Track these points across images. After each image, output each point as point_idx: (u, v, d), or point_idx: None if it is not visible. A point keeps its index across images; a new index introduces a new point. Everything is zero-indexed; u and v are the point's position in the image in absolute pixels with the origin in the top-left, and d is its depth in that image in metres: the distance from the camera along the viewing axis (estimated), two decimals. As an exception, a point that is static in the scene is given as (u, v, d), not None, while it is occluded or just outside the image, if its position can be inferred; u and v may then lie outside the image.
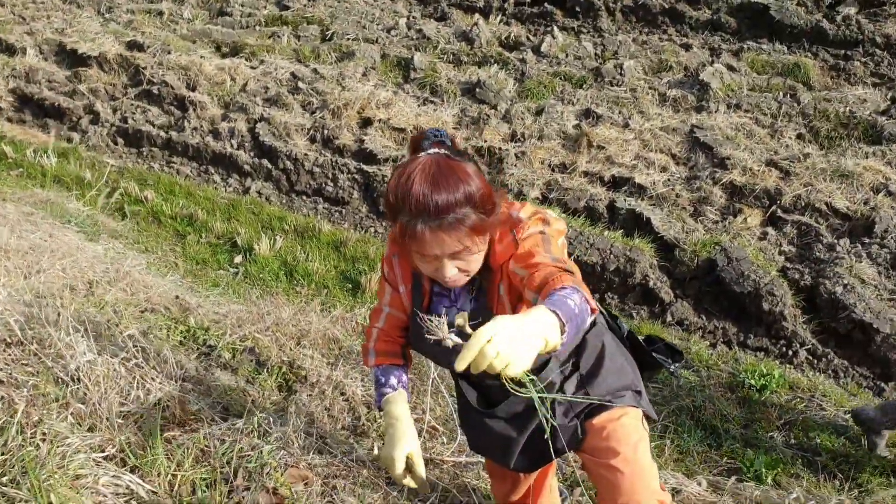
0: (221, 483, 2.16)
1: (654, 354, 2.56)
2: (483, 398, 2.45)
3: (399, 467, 2.12)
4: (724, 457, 4.46)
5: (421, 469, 2.17)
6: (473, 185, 1.86)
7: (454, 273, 1.98)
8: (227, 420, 2.63)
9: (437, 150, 1.91)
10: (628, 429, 2.27)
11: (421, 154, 1.90)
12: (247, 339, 4.19)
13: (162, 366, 2.87)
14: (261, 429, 2.53)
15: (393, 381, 2.31)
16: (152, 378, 2.71)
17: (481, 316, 2.11)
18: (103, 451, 2.14)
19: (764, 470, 4.26)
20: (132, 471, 2.11)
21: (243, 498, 2.03)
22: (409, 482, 2.15)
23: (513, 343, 1.54)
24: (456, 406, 3.44)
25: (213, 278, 6.32)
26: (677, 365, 2.60)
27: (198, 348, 4.10)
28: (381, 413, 2.28)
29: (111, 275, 4.84)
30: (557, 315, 1.64)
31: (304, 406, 3.77)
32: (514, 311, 2.12)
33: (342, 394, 3.96)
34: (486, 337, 1.54)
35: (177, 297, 4.76)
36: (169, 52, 9.09)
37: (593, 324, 2.40)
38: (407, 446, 2.15)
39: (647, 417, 2.40)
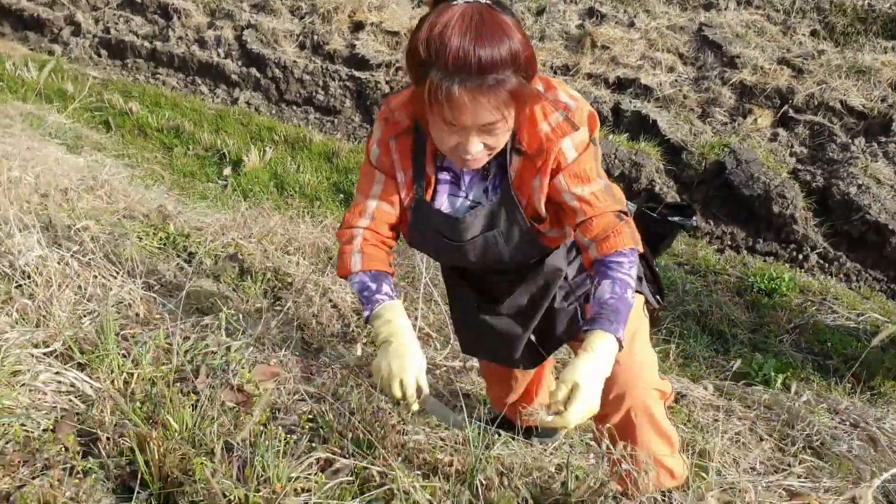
0: (181, 382, 1.96)
1: (669, 219, 2.34)
2: (484, 296, 2.24)
3: (411, 386, 1.84)
4: (732, 361, 4.28)
5: (427, 390, 1.90)
6: (519, 43, 1.56)
7: (479, 149, 1.69)
8: (196, 318, 2.43)
9: None
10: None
11: (456, 2, 1.57)
12: (230, 245, 3.97)
13: (124, 263, 2.65)
14: (231, 327, 2.32)
15: (386, 288, 1.98)
16: (112, 276, 2.49)
17: (505, 208, 1.90)
18: (47, 347, 1.94)
19: (773, 374, 4.10)
20: (80, 368, 1.91)
21: (204, 395, 1.83)
22: (415, 405, 1.87)
23: (588, 409, 1.70)
24: (449, 312, 3.17)
25: (201, 191, 6.08)
26: (696, 218, 2.41)
27: (178, 255, 3.89)
28: (373, 325, 1.93)
29: (88, 182, 4.60)
30: (618, 340, 1.73)
31: (291, 313, 3.58)
32: (554, 217, 1.91)
33: (330, 300, 3.76)
34: (575, 422, 1.67)
35: (159, 206, 4.53)
36: (150, -42, 8.66)
37: None
38: (418, 364, 1.86)
39: (648, 305, 2.19)
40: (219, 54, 7.69)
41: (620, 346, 1.74)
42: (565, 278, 2.12)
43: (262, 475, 1.59)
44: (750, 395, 3.81)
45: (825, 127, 5.90)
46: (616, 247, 1.80)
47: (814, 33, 6.85)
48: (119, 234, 3.57)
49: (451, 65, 1.52)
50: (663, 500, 2.15)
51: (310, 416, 1.88)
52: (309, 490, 1.64)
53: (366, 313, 1.95)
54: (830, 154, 5.70)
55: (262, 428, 1.72)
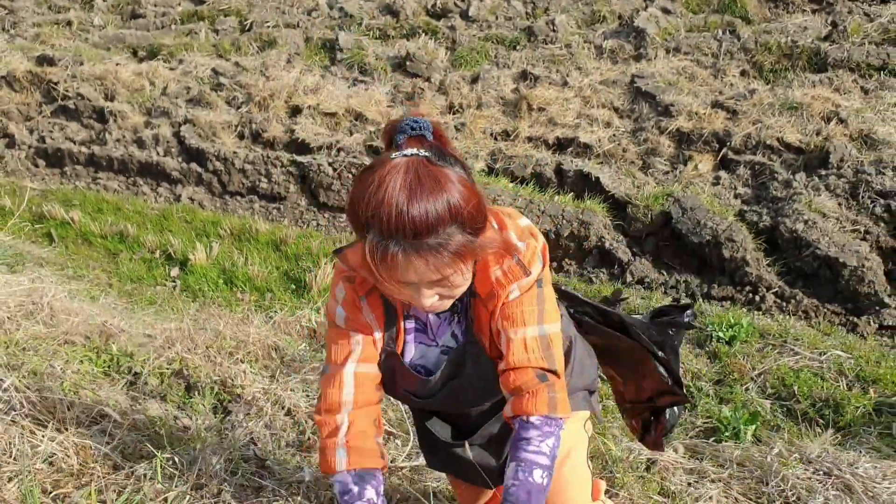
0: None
1: (673, 323, 2.31)
2: (456, 430, 2.12)
3: None
4: (700, 417, 4.23)
5: None
6: (461, 198, 1.48)
7: (434, 301, 1.61)
8: (139, 462, 2.31)
9: (416, 150, 1.52)
10: (564, 432, 1.98)
11: (395, 155, 1.51)
12: (175, 360, 3.85)
13: (55, 411, 2.54)
14: (168, 471, 2.22)
15: (370, 493, 1.76)
16: (43, 425, 2.38)
17: (469, 352, 1.81)
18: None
19: (742, 427, 4.04)
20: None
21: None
22: None
23: None
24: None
25: (150, 296, 5.95)
26: (689, 313, 2.34)
27: (122, 378, 3.77)
28: None
29: (28, 308, 4.47)
30: None
31: (242, 427, 3.47)
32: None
33: (283, 408, 3.65)
34: None
35: (104, 322, 4.40)
36: (82, 63, 8.61)
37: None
38: None
39: (594, 416, 2.14)
40: (158, 153, 7.63)
41: None
42: None
43: None
44: (721, 452, 3.75)
45: (765, 166, 5.98)
46: (527, 411, 1.71)
47: (743, 73, 6.99)
48: (49, 373, 3.43)
49: (387, 226, 1.44)
50: None
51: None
52: None
53: None
54: (774, 192, 5.76)
55: None
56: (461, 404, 1.92)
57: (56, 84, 8.39)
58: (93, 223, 6.95)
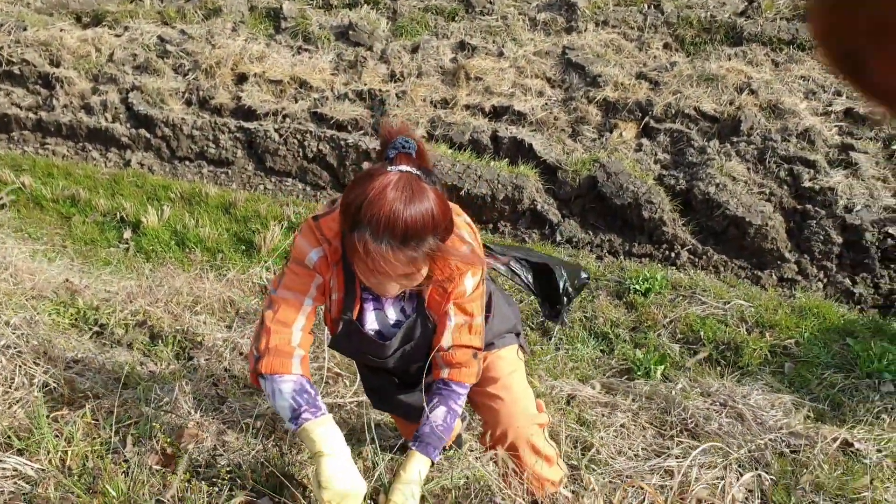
0: (112, 452, 2.23)
1: (569, 290, 2.83)
2: (401, 380, 2.62)
3: None
4: (616, 359, 4.72)
5: None
6: (439, 212, 1.85)
7: (396, 290, 2.01)
8: (116, 393, 2.68)
9: (408, 167, 1.85)
10: (505, 360, 2.53)
11: (391, 169, 1.83)
12: (138, 313, 4.19)
13: (45, 350, 2.89)
14: (149, 396, 2.59)
15: (320, 398, 2.11)
16: (35, 363, 2.73)
17: (420, 325, 2.25)
18: (-14, 439, 2.18)
19: (653, 367, 4.53)
20: (19, 453, 2.16)
21: (133, 462, 2.11)
22: None
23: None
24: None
25: (104, 257, 6.22)
26: (585, 276, 2.90)
27: (89, 329, 4.10)
28: (314, 430, 2.01)
29: (-8, 267, 4.74)
30: (433, 461, 2.17)
31: (204, 370, 3.84)
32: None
33: (241, 353, 4.02)
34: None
35: (66, 280, 4.70)
36: (25, 29, 8.68)
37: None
38: (361, 495, 2.03)
39: (522, 350, 2.65)
40: (106, 119, 7.81)
41: (433, 464, 2.18)
42: None
43: (192, 525, 1.88)
44: (633, 388, 4.25)
45: (683, 133, 6.46)
46: (462, 379, 2.24)
47: (666, 46, 7.46)
48: (32, 318, 3.75)
49: (383, 228, 1.77)
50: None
51: (228, 469, 2.17)
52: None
53: (306, 416, 2.02)
54: (690, 158, 6.25)
55: (186, 484, 2.02)
56: (409, 363, 2.38)
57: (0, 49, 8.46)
58: (44, 187, 7.14)
